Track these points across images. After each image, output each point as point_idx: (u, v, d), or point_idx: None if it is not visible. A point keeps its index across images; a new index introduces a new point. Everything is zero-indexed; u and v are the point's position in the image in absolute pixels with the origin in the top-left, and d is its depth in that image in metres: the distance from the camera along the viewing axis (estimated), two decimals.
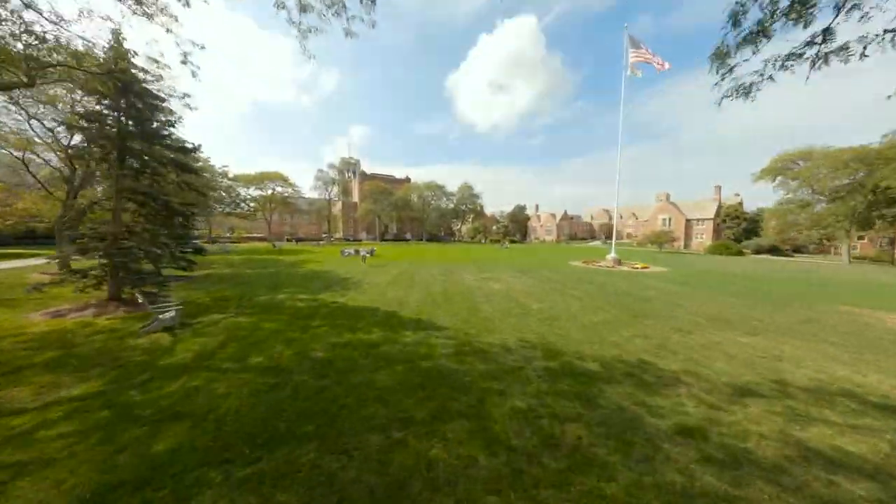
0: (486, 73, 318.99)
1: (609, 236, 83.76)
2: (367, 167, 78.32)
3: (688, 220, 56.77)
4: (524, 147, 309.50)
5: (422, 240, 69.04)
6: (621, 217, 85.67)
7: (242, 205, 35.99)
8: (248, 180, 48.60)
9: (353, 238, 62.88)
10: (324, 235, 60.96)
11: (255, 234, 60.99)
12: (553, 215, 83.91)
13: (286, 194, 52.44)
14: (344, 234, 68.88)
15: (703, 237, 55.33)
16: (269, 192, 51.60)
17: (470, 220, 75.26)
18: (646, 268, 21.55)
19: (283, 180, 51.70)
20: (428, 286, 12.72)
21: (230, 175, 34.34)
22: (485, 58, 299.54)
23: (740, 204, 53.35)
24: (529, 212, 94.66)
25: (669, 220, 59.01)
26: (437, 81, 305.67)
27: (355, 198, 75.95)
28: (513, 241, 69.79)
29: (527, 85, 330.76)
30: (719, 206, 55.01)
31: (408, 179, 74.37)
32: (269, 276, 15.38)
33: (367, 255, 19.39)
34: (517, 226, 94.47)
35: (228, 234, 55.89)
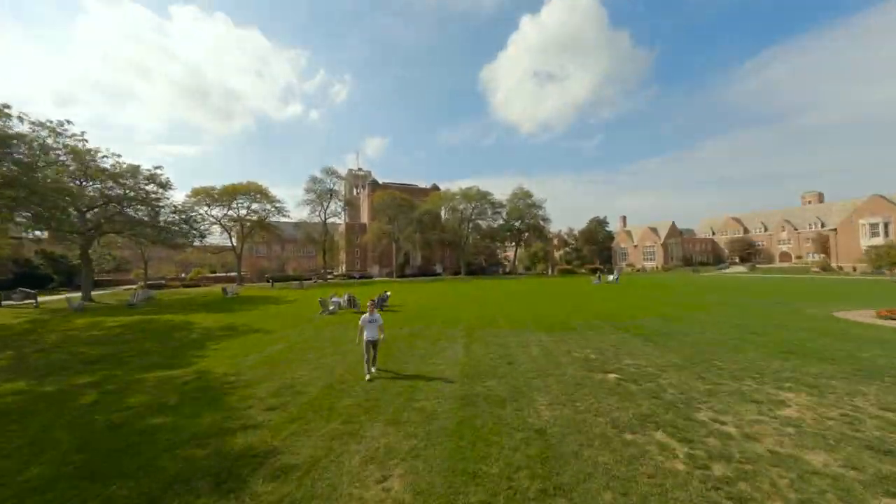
0: (531, 62, 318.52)
1: (749, 258, 67.42)
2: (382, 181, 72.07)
3: None
4: (579, 150, 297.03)
5: (458, 273, 58.76)
6: (765, 229, 69.63)
7: (181, 228, 28.35)
8: (212, 197, 42.68)
9: (361, 275, 54.03)
10: (322, 271, 52.97)
11: (231, 274, 54.76)
12: (654, 230, 70.18)
13: (263, 213, 45.70)
14: (347, 270, 60.78)
15: None
16: (243, 211, 45.37)
17: (522, 242, 63.93)
18: None
19: (262, 194, 45.32)
20: None
21: (171, 187, 27.24)
22: (529, 42, 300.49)
23: None
24: (612, 227, 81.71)
25: (885, 226, 43.37)
26: (467, 78, 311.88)
27: (365, 218, 69.00)
28: (595, 270, 56.41)
29: (584, 71, 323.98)
30: None
31: (435, 188, 66.30)
32: None
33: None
34: (594, 249, 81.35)
35: (183, 275, 49.89)
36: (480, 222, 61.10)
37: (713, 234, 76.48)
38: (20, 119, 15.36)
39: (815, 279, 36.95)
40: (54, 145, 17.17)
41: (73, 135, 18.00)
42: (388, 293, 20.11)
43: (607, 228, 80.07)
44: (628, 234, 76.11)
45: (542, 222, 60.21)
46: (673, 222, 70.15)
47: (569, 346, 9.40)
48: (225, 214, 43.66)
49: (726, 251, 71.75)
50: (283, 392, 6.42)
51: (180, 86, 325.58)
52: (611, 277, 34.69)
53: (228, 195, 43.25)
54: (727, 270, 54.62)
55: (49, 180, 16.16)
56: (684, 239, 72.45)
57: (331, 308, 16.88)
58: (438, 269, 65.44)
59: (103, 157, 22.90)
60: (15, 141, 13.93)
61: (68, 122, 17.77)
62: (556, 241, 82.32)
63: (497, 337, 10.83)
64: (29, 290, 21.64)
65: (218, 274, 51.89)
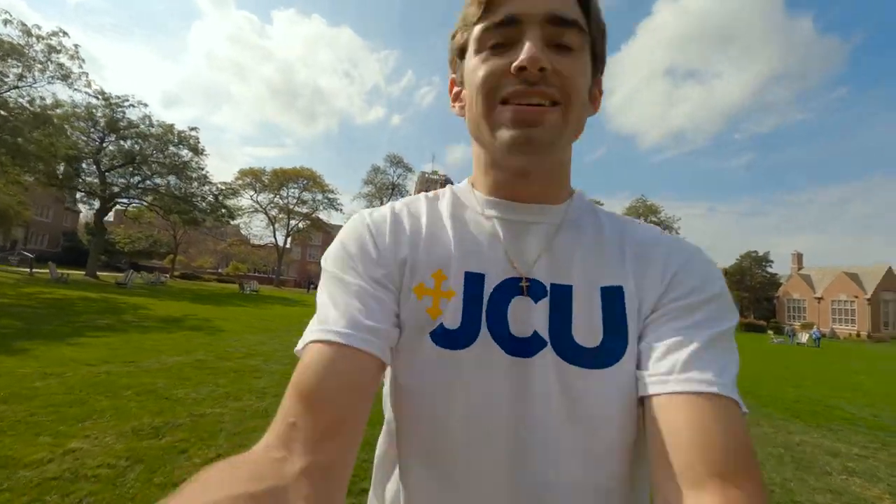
0: (665, 55, 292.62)
1: None
2: None
3: None
4: (722, 170, 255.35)
5: None
6: None
7: (209, 203, 26.98)
8: (261, 182, 43.07)
9: None
10: None
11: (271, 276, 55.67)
12: (853, 277, 54.61)
13: (313, 205, 45.01)
14: None
15: None
16: (292, 200, 45.20)
17: None
18: None
19: (314, 181, 44.79)
20: None
21: (205, 153, 26.64)
22: (666, 31, 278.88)
23: None
24: (779, 268, 66.76)
25: None
26: None
27: None
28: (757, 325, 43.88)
29: (741, 67, 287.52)
30: None
31: None
32: None
33: None
34: (747, 297, 67.29)
35: (220, 269, 51.37)
36: None
37: None
38: (5, 22, 14.51)
39: None
40: (42, 59, 16.19)
41: (65, 48, 16.94)
42: None
43: (769, 269, 65.58)
44: (806, 279, 60.70)
45: None
46: (890, 267, 53.77)
47: None
48: (271, 202, 43.76)
49: None
50: None
51: (272, 87, 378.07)
52: (804, 337, 26.25)
53: (278, 179, 43.44)
54: None
55: (27, 110, 15.09)
56: None
57: None
58: None
59: (129, 105, 22.64)
60: None
61: (63, 32, 16.80)
62: None
63: None
64: (28, 255, 21.75)
65: (260, 274, 52.67)
